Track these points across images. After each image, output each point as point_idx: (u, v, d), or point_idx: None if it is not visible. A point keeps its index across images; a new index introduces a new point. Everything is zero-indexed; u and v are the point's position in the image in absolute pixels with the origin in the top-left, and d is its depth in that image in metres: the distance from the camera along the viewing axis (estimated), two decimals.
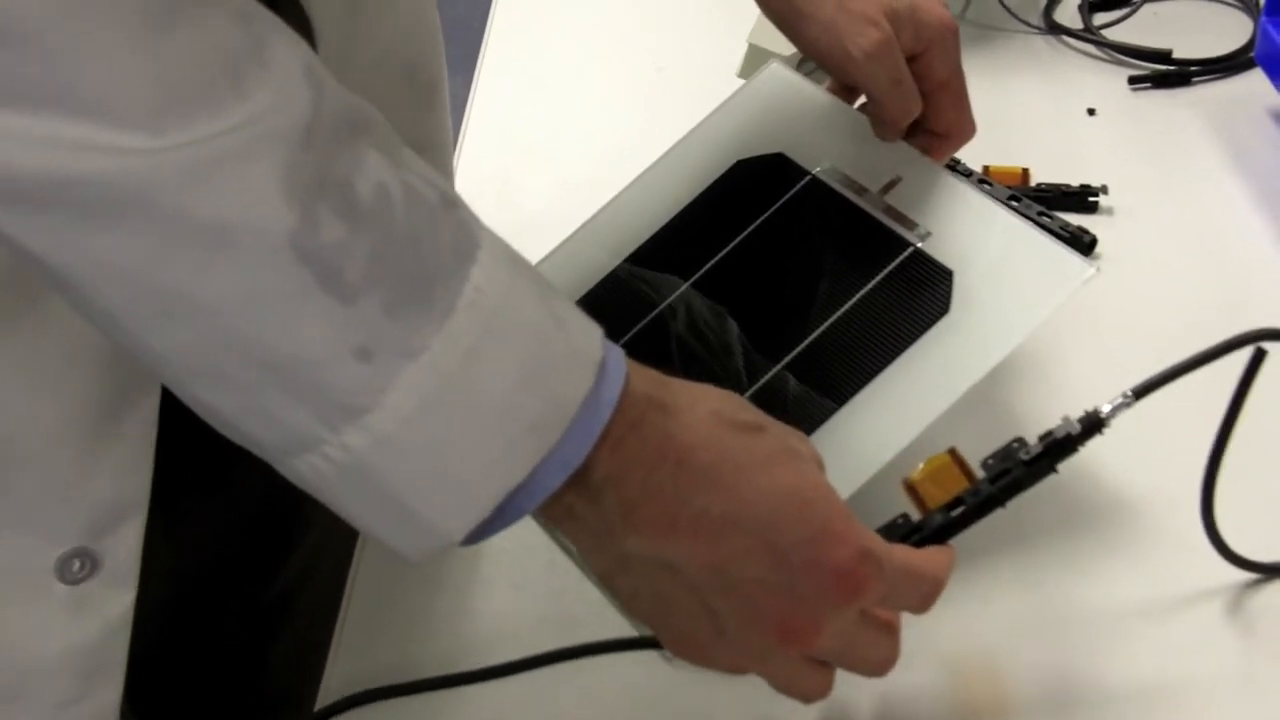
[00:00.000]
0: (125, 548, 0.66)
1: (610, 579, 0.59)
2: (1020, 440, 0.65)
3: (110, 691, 0.67)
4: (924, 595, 0.61)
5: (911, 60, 0.75)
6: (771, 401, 0.74)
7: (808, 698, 0.61)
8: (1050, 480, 0.65)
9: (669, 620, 0.59)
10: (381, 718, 0.71)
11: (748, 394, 0.74)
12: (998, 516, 0.66)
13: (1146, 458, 0.79)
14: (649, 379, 0.57)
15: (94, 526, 0.65)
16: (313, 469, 0.52)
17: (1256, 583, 0.74)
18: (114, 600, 0.66)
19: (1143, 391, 0.65)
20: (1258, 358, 0.67)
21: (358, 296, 0.50)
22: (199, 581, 0.82)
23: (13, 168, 0.46)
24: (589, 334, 0.56)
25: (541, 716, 0.71)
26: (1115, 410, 0.65)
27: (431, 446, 0.52)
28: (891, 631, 0.61)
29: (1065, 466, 0.65)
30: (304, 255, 0.49)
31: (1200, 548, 0.72)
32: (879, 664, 0.62)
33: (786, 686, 0.61)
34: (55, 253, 0.48)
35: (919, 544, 0.64)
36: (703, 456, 0.57)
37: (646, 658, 0.72)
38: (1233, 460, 0.70)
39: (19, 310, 0.61)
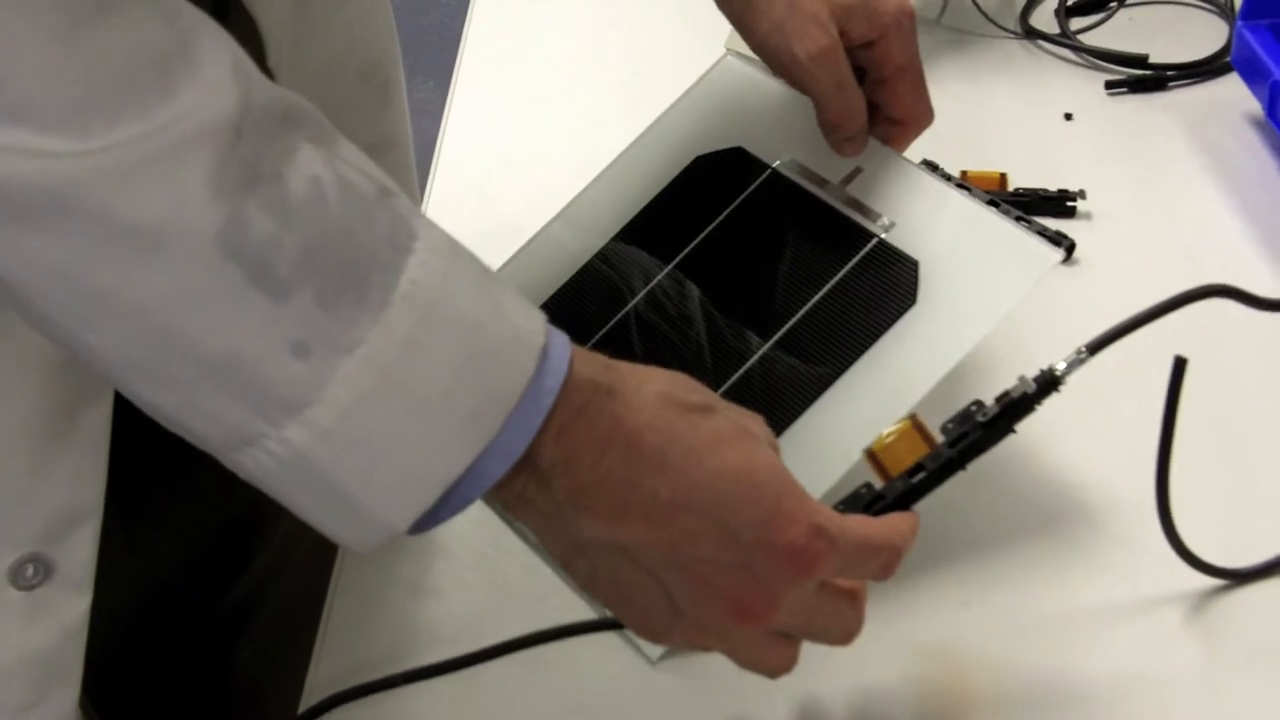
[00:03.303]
0: (80, 553, 0.66)
1: (567, 563, 0.59)
2: (979, 403, 0.65)
3: (67, 695, 0.67)
4: (883, 564, 0.60)
5: (867, 47, 0.75)
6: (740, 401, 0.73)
7: (772, 673, 0.61)
8: (1024, 486, 0.66)
9: (627, 602, 0.59)
10: (366, 715, 0.71)
11: (727, 385, 0.74)
12: (973, 524, 0.67)
13: (1118, 464, 0.79)
14: (595, 363, 0.57)
15: (47, 532, 0.65)
16: (255, 463, 0.52)
17: (1225, 587, 0.74)
18: (69, 605, 0.66)
19: (1096, 347, 0.66)
20: (1179, 367, 0.67)
21: (290, 292, 0.50)
22: (164, 585, 0.81)
23: None
24: (531, 322, 0.55)
25: (520, 701, 0.71)
26: (1070, 367, 0.65)
27: (372, 439, 0.52)
28: (854, 599, 0.61)
29: (1042, 477, 0.65)
30: (233, 253, 0.49)
31: (1168, 552, 0.72)
32: (843, 634, 0.62)
33: (750, 663, 0.61)
34: None
35: (882, 511, 0.64)
36: (650, 439, 0.57)
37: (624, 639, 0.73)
38: (1202, 463, 0.70)
39: None
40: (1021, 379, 0.65)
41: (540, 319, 0.56)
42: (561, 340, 0.56)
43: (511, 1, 1.30)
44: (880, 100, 0.77)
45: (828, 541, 0.57)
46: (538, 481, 0.56)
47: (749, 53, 0.92)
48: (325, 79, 0.78)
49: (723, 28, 1.09)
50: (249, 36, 0.72)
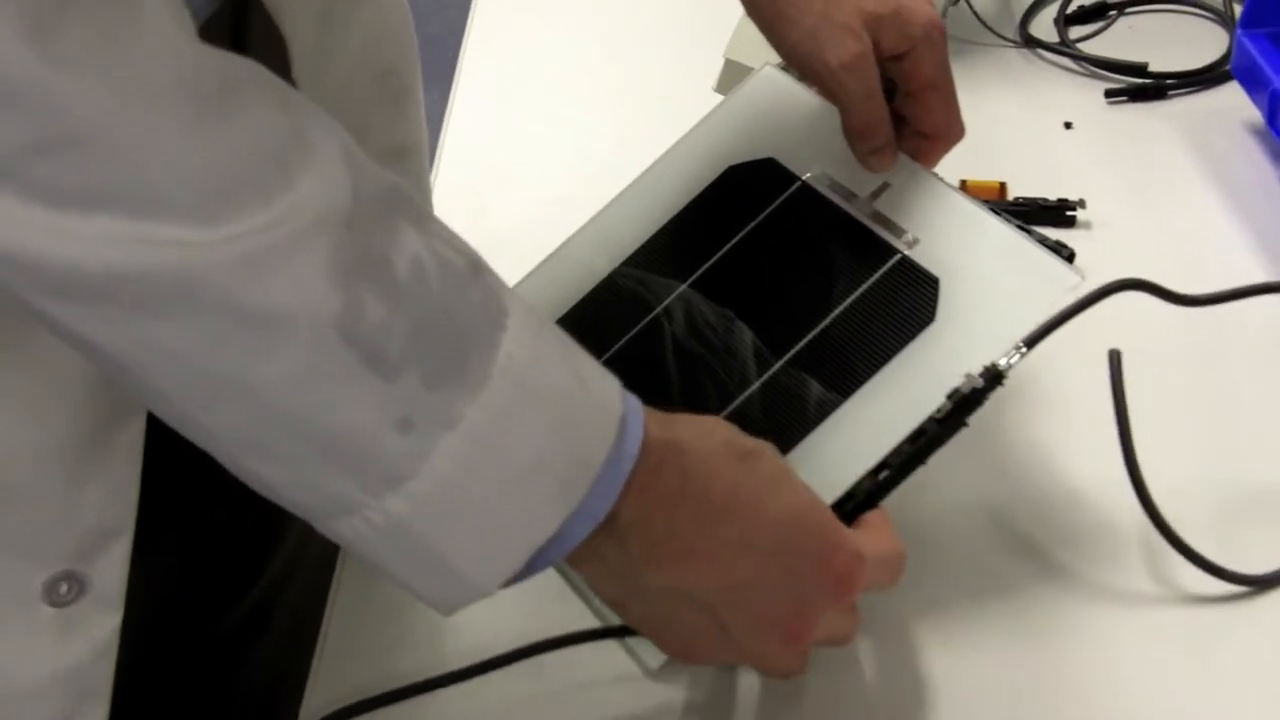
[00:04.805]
0: (112, 570, 0.66)
1: (621, 605, 0.63)
2: None
3: (98, 713, 0.68)
4: (892, 574, 0.66)
5: (896, 60, 0.75)
6: (757, 411, 0.73)
7: (791, 675, 0.67)
8: (1037, 495, 0.72)
9: (678, 637, 0.63)
10: None
11: (743, 397, 0.74)
12: (986, 539, 0.72)
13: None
14: (660, 421, 0.60)
15: (81, 550, 0.65)
16: (353, 530, 0.54)
17: (1245, 593, 0.74)
18: (101, 622, 0.66)
19: (1033, 341, 0.70)
20: (1116, 362, 0.72)
21: (400, 373, 0.51)
22: (174, 600, 0.81)
23: (74, 265, 0.47)
24: (609, 390, 0.58)
25: (520, 712, 0.72)
26: (1011, 363, 0.69)
27: (467, 508, 0.54)
28: (854, 607, 0.66)
29: (1057, 484, 0.70)
30: (350, 338, 0.50)
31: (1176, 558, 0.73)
32: (847, 636, 0.67)
33: (777, 671, 0.67)
34: (110, 340, 0.49)
35: (853, 511, 0.68)
36: (719, 488, 0.60)
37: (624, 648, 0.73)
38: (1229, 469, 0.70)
39: (10, 341, 0.61)
40: (968, 376, 0.68)
41: (616, 385, 0.59)
42: (635, 404, 0.59)
43: (512, 11, 1.29)
44: (910, 114, 0.77)
45: (861, 562, 0.63)
46: (615, 539, 0.59)
47: (749, 62, 0.92)
48: (344, 86, 0.79)
49: (721, 38, 1.10)
50: (275, 48, 0.72)
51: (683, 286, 0.79)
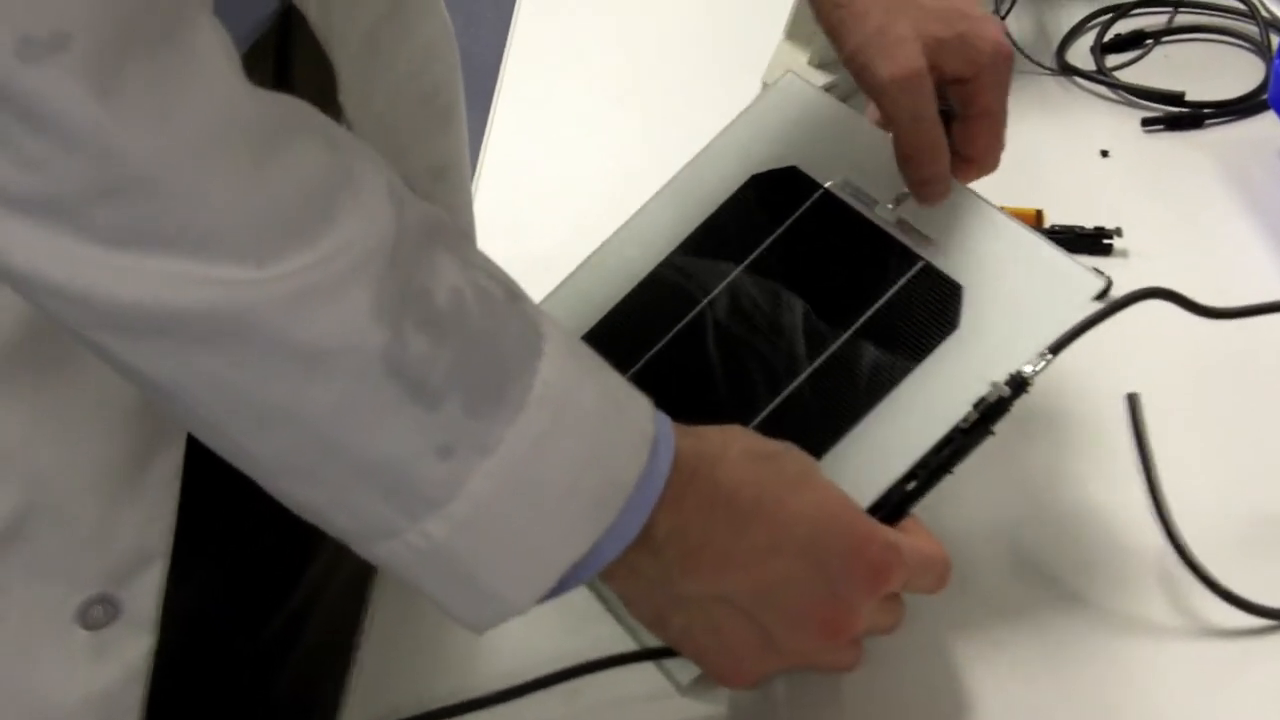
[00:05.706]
0: (146, 594, 0.67)
1: (661, 620, 0.64)
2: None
3: None
4: (938, 576, 0.67)
5: (958, 84, 0.74)
6: (781, 424, 0.74)
7: (848, 670, 0.68)
8: (1060, 520, 0.74)
9: (720, 647, 0.64)
10: None
11: (767, 411, 0.74)
12: (1008, 564, 0.74)
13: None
14: (686, 434, 0.61)
15: (116, 573, 0.66)
16: (392, 553, 0.56)
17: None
18: (134, 646, 0.67)
19: (1057, 348, 0.70)
20: (1135, 406, 0.72)
21: (441, 402, 0.53)
22: (206, 618, 0.81)
23: (129, 302, 0.48)
24: (641, 412, 0.59)
25: None
26: (1036, 370, 0.69)
27: (503, 530, 0.55)
28: (899, 598, 0.68)
29: (1080, 509, 0.72)
30: (394, 370, 0.52)
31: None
32: (893, 626, 0.68)
33: (830, 668, 0.69)
34: (161, 371, 0.51)
35: (883, 520, 0.68)
36: (746, 494, 0.62)
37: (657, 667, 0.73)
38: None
39: (53, 364, 0.62)
40: (994, 385, 0.69)
41: (647, 404, 0.60)
42: (665, 422, 0.61)
43: (551, 31, 1.31)
44: (954, 135, 0.75)
45: (897, 553, 0.64)
46: (651, 552, 0.60)
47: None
48: (389, 106, 0.80)
49: (759, 62, 1.11)
50: (321, 70, 0.73)
51: (706, 299, 0.79)
